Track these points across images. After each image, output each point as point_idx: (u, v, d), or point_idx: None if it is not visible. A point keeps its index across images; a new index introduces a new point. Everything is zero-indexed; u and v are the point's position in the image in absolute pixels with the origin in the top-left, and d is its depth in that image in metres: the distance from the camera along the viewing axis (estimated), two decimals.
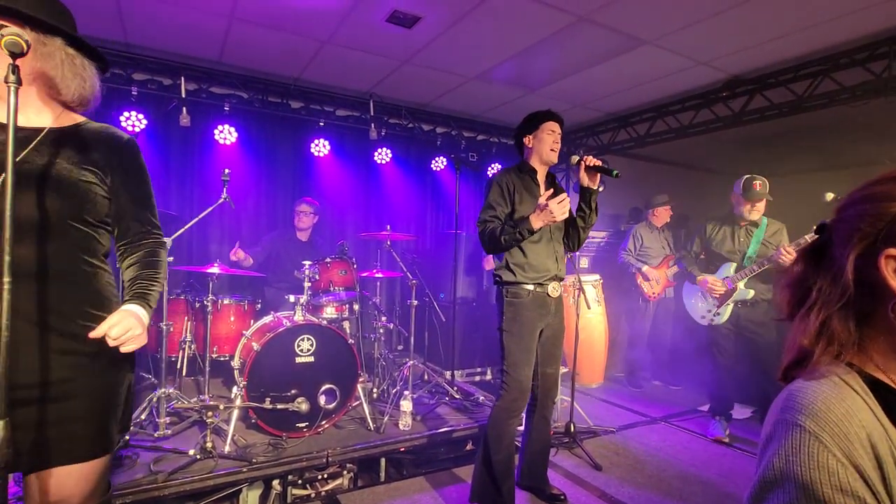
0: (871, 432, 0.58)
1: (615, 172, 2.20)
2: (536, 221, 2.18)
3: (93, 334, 1.18)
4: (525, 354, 2.32)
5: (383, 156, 4.88)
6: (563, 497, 2.56)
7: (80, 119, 1.34)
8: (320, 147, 4.55)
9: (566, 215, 2.24)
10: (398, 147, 5.11)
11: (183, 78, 3.80)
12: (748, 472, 3.00)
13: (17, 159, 1.15)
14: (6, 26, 1.06)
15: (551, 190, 2.44)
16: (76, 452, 1.21)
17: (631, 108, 5.02)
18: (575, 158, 2.31)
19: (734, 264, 3.39)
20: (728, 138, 5.47)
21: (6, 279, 1.01)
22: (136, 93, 3.81)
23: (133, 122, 3.79)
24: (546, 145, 2.41)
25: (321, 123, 4.51)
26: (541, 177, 2.49)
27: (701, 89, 4.38)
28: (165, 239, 1.50)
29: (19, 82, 1.03)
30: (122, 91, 3.80)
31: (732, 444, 3.42)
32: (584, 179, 2.31)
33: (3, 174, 1.01)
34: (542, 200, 2.16)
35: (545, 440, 2.60)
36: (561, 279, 2.44)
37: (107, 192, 1.31)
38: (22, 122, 1.20)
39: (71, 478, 1.20)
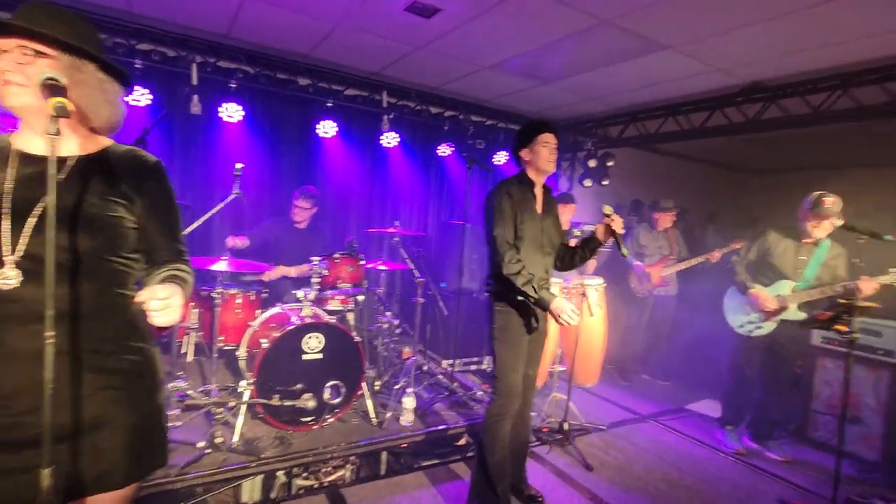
0: None
1: (625, 252, 2.33)
2: (551, 306, 2.27)
3: (138, 299, 1.10)
4: (515, 361, 2.42)
5: (390, 139, 4.79)
6: (540, 499, 2.66)
7: (106, 143, 1.31)
8: (327, 128, 4.45)
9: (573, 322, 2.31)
10: (405, 131, 4.98)
11: (194, 66, 3.67)
12: (730, 478, 3.16)
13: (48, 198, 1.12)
14: (56, 84, 1.03)
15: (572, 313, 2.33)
16: (112, 482, 1.24)
17: (642, 104, 4.96)
18: (608, 209, 2.38)
19: (790, 282, 3.25)
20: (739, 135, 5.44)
21: (49, 332, 1.02)
22: (140, 66, 3.67)
23: (137, 97, 3.67)
24: (543, 158, 2.45)
25: (329, 104, 4.40)
26: (538, 189, 2.56)
27: (716, 92, 4.34)
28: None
29: (58, 133, 1.01)
30: (124, 64, 3.66)
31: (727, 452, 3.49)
32: (600, 232, 2.41)
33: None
34: (564, 310, 2.24)
35: (523, 440, 2.68)
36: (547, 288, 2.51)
37: (135, 223, 1.28)
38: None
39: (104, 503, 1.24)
